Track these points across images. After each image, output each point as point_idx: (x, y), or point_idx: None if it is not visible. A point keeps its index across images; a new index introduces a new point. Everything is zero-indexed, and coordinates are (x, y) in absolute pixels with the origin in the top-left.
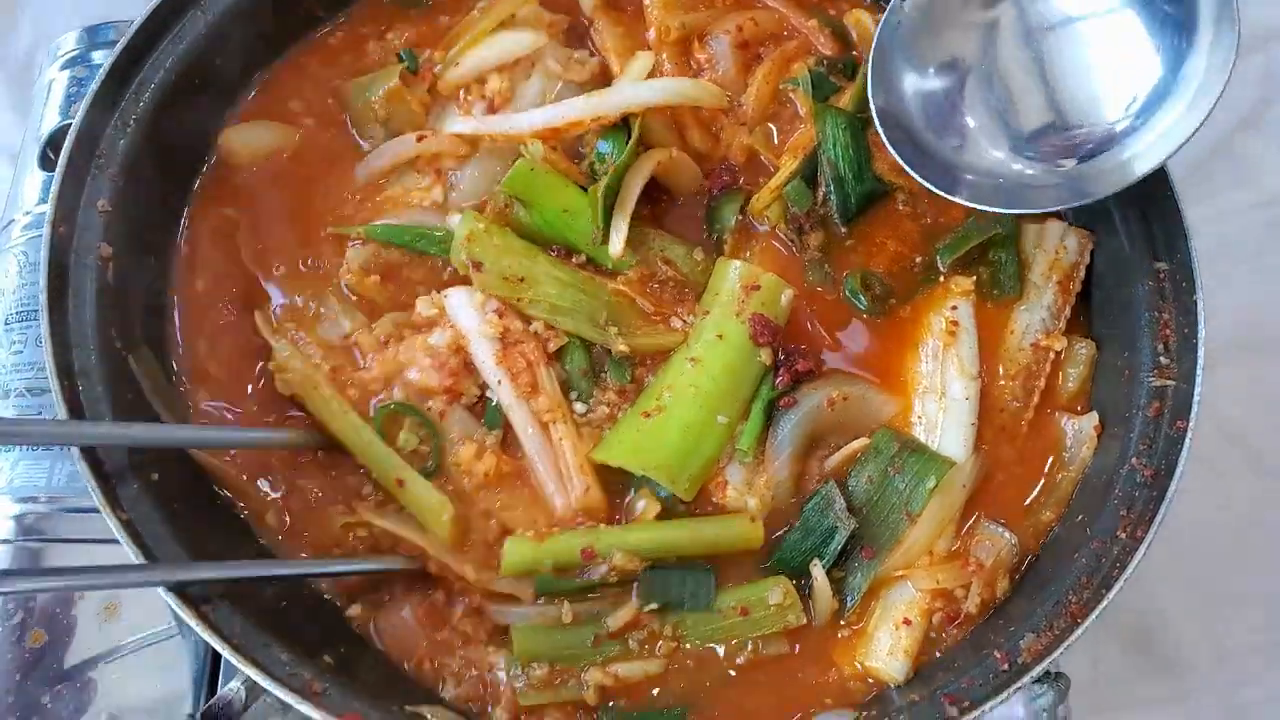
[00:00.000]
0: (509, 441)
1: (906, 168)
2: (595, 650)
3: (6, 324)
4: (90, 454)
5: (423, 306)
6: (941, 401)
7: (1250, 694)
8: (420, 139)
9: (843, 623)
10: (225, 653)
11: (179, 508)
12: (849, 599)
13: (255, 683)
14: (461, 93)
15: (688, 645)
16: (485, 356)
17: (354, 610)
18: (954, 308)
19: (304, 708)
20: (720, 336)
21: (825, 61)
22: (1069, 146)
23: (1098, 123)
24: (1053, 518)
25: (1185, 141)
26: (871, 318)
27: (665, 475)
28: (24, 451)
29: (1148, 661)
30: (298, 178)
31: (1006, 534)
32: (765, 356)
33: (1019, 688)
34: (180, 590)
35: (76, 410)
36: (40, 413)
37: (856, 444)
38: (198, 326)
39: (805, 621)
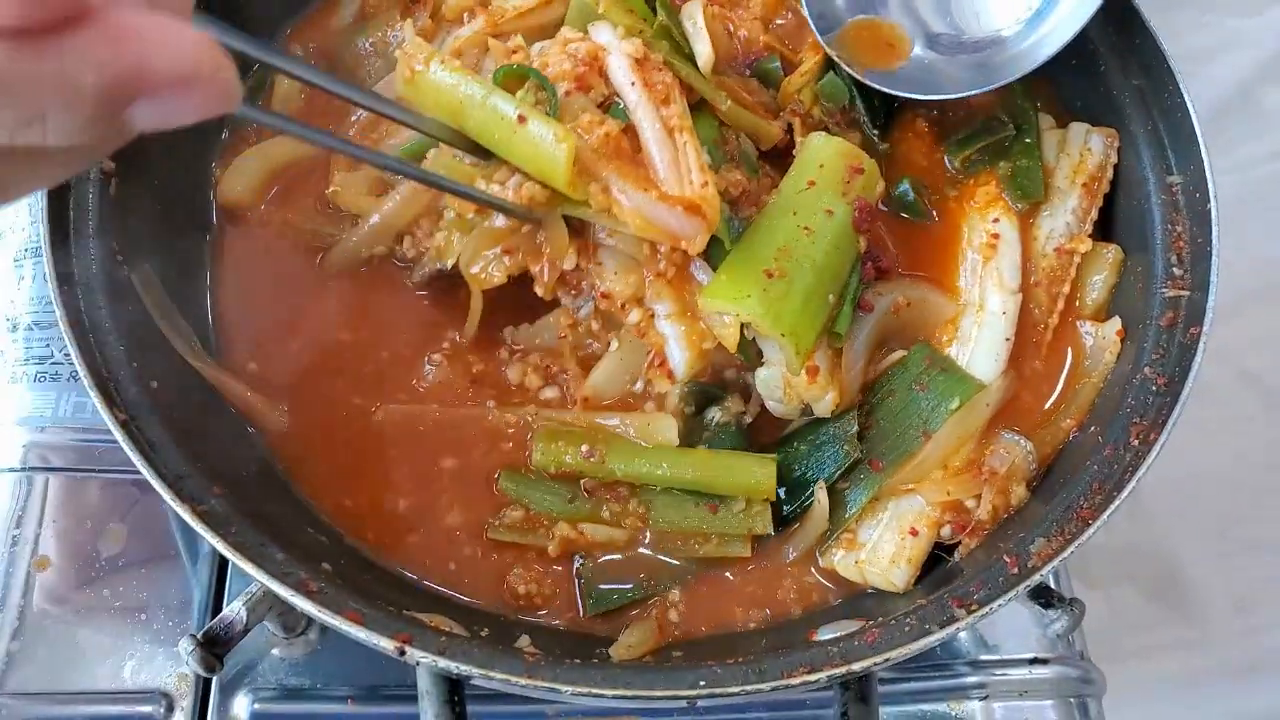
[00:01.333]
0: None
1: (841, 62)
2: (570, 506)
3: (16, 261)
4: (90, 358)
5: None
6: (978, 315)
7: (1269, 639)
8: None
9: (833, 537)
10: (220, 547)
11: (178, 415)
12: (848, 510)
13: (256, 605)
14: (465, 15)
15: (653, 524)
16: (621, 66)
17: None
18: (995, 220)
19: (299, 602)
20: (830, 213)
21: None
22: (973, 42)
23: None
24: (1073, 424)
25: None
26: (920, 222)
27: (795, 343)
28: (31, 381)
29: (1165, 607)
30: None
31: (1023, 442)
32: (862, 243)
33: (1027, 586)
34: (177, 488)
35: (76, 318)
36: (48, 345)
37: (896, 355)
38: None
39: (770, 532)
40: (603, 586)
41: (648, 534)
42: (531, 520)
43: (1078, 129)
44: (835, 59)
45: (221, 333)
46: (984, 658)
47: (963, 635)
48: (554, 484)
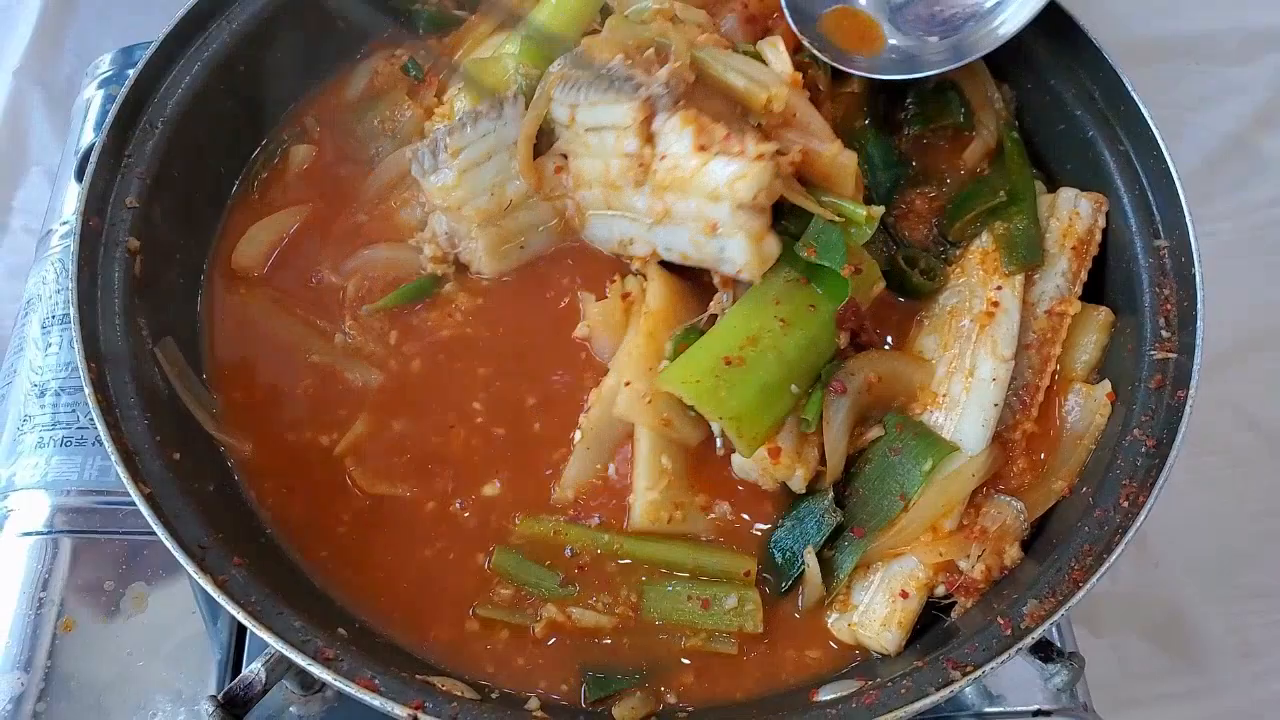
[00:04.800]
0: None
1: (815, 52)
2: (561, 589)
3: (44, 328)
4: (116, 433)
5: None
6: (967, 381)
7: (1276, 686)
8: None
9: (827, 602)
10: (240, 616)
11: (197, 485)
12: (837, 575)
13: (275, 665)
14: None
15: (644, 614)
16: None
17: None
18: (998, 288)
19: (317, 670)
20: (813, 308)
21: None
22: (941, 23)
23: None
24: (1064, 486)
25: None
26: (911, 299)
27: (735, 428)
28: (57, 447)
29: (1171, 655)
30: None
31: (1015, 503)
32: (842, 340)
33: (1020, 649)
34: (200, 560)
35: (104, 396)
36: (74, 411)
37: (875, 431)
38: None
39: (760, 630)
40: (602, 674)
41: (638, 628)
42: (520, 599)
43: (1067, 194)
44: (810, 48)
45: (219, 394)
46: (989, 709)
47: (967, 688)
48: (547, 567)
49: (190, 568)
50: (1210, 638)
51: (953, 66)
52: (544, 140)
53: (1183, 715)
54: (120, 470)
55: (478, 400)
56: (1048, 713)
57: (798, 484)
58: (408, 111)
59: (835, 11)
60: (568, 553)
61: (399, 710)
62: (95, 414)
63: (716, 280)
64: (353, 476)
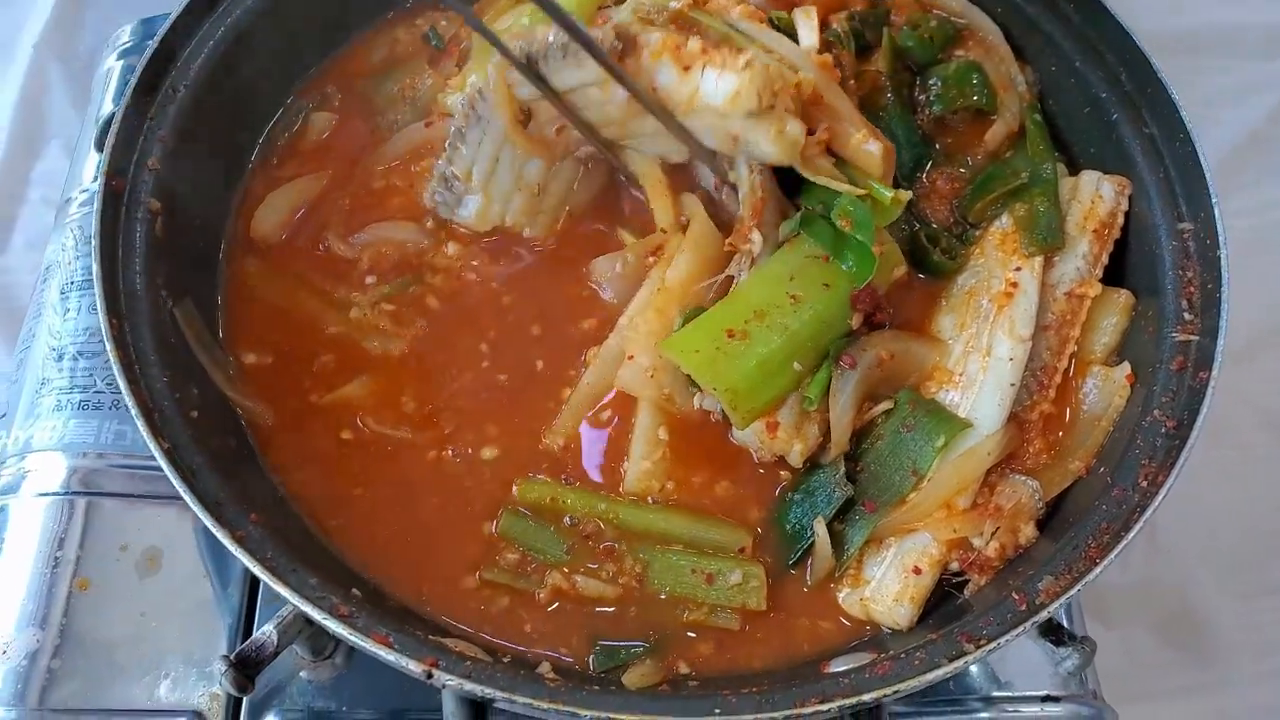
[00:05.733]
0: None
1: None
2: (566, 555)
3: (63, 293)
4: (137, 388)
5: None
6: (984, 360)
7: None
8: (428, 124)
9: (837, 575)
10: (258, 571)
11: (215, 444)
12: (847, 549)
13: (287, 628)
14: None
15: (649, 585)
16: None
17: None
18: (1017, 269)
19: (332, 625)
20: (827, 286)
21: (857, 16)
22: None
23: None
24: (1081, 466)
25: None
26: (930, 277)
27: (729, 399)
28: (74, 410)
29: (1182, 648)
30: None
31: (1030, 482)
32: (855, 321)
33: (1034, 623)
34: (217, 515)
35: (126, 353)
36: (91, 375)
37: (884, 406)
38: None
39: (764, 608)
40: (610, 644)
41: (642, 599)
42: (525, 564)
43: (1089, 176)
44: None
45: (233, 356)
46: (996, 694)
47: (975, 671)
48: (554, 532)
49: (208, 521)
50: (1222, 633)
51: None
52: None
53: (1193, 710)
54: (140, 424)
55: (486, 358)
56: (1056, 698)
57: (795, 459)
58: (428, 80)
59: None
60: (568, 521)
61: (414, 666)
62: (116, 369)
63: (731, 238)
64: (364, 423)
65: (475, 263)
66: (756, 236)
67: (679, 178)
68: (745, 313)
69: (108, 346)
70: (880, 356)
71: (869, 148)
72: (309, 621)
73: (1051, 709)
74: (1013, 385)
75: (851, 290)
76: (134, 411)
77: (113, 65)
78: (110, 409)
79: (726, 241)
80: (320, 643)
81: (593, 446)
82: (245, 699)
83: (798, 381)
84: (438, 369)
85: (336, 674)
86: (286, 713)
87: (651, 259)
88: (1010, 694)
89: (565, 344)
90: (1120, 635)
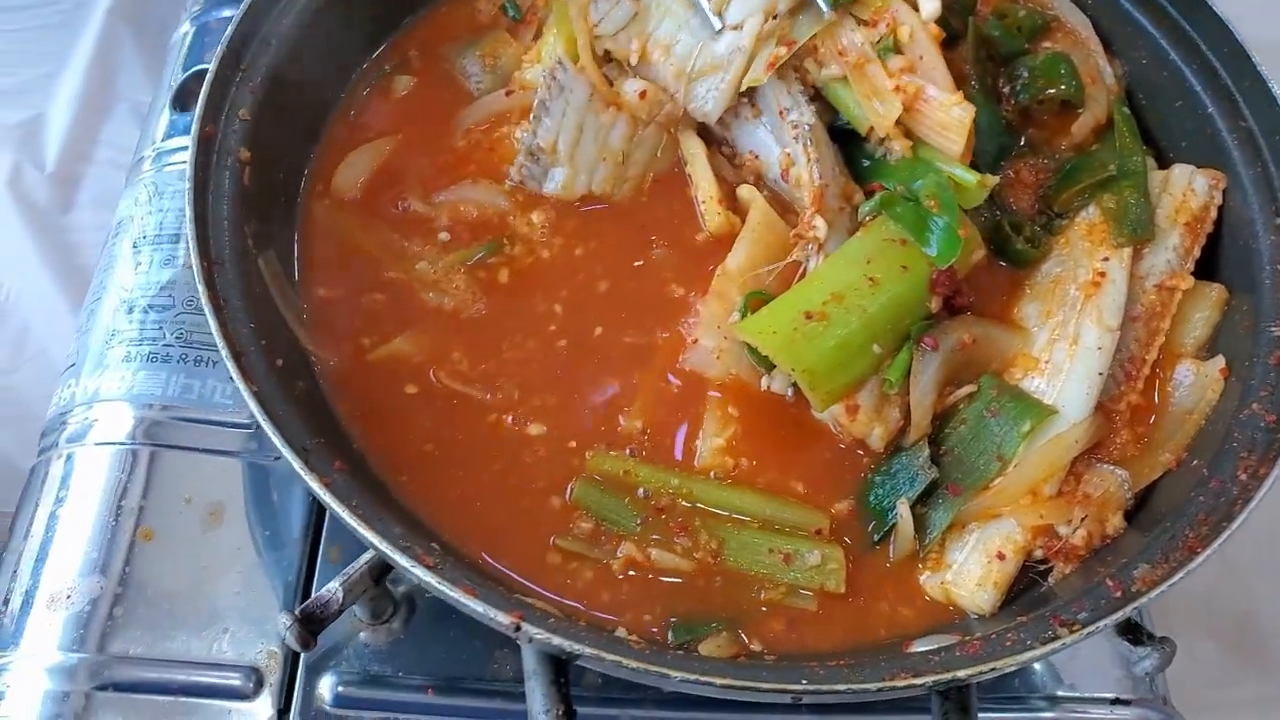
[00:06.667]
0: None
1: None
2: (640, 528)
3: (135, 247)
4: (227, 330)
5: None
6: (1071, 348)
7: None
8: (509, 93)
9: (920, 558)
10: (346, 517)
11: (300, 394)
12: (930, 532)
13: (352, 586)
14: None
15: (724, 561)
16: None
17: None
18: (1105, 259)
19: (419, 573)
20: (905, 269)
21: (944, 4)
22: None
23: None
24: (1171, 459)
25: None
26: (1011, 265)
27: (808, 380)
28: (143, 361)
29: (1246, 661)
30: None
31: (1119, 472)
32: (934, 305)
33: (1135, 608)
34: (306, 459)
35: (214, 290)
36: (160, 328)
37: (966, 390)
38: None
39: (842, 590)
40: (685, 621)
41: (718, 575)
42: (598, 533)
43: (1182, 170)
44: None
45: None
46: (1061, 693)
47: (1039, 669)
48: (628, 504)
49: (297, 464)
50: None
51: None
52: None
53: None
54: (230, 366)
55: (555, 324)
56: (1127, 701)
57: (875, 442)
58: (510, 48)
59: None
60: (641, 494)
61: (502, 618)
62: (208, 310)
63: (796, 228)
64: (437, 377)
65: (556, 233)
66: (820, 223)
67: (736, 171)
68: (823, 295)
69: (200, 289)
70: (962, 340)
71: (959, 113)
72: (375, 581)
73: (1121, 712)
74: (1101, 374)
75: (931, 273)
76: (224, 353)
77: (187, 30)
78: (178, 362)
79: (792, 232)
80: (380, 605)
81: (666, 422)
82: (302, 660)
83: (877, 364)
84: (507, 333)
85: (393, 639)
86: (343, 675)
87: None
88: (1077, 694)
89: (641, 314)
90: (1184, 646)
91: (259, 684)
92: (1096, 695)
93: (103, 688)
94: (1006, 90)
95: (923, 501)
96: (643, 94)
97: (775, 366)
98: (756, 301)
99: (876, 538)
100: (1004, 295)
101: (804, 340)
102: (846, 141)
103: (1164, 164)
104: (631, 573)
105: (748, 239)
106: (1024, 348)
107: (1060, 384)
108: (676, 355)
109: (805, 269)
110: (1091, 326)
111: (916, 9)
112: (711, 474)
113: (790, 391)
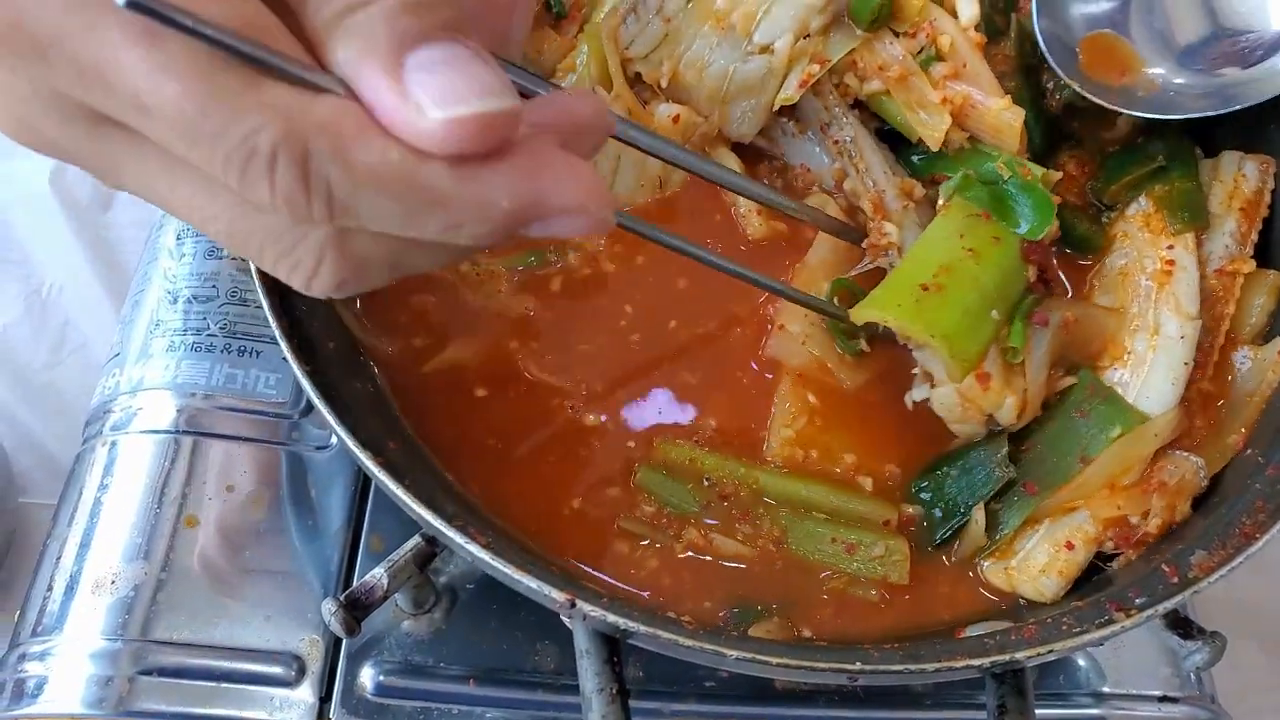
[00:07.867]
0: None
1: (1071, 84)
2: (702, 512)
3: (179, 238)
4: (279, 310)
5: None
6: (1153, 339)
7: None
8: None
9: (986, 555)
10: (400, 493)
11: (353, 379)
12: (1000, 531)
13: (397, 573)
14: None
15: (788, 548)
16: None
17: None
18: (1169, 247)
19: (473, 550)
20: (997, 239)
21: (988, 1)
22: (1232, 55)
23: (1263, 29)
24: (1239, 441)
25: None
26: (1076, 251)
27: (946, 347)
28: (187, 351)
29: None
30: None
31: (1194, 458)
32: (1031, 273)
33: (1194, 592)
34: (360, 438)
35: (266, 275)
36: (204, 318)
37: (1070, 380)
38: None
39: (906, 582)
40: (742, 608)
41: (779, 562)
42: (659, 517)
43: (1230, 156)
44: (1078, 89)
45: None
46: (1106, 690)
47: (1085, 666)
48: (691, 489)
49: (350, 442)
50: None
51: (1224, 110)
52: None
53: None
54: (283, 344)
55: (624, 319)
56: (1174, 699)
57: (1008, 414)
58: (553, 43)
59: (1094, 38)
60: (705, 481)
61: (556, 595)
62: (260, 289)
63: (869, 238)
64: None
65: (617, 241)
66: (889, 228)
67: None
68: (931, 268)
69: (253, 268)
70: (1066, 319)
71: (1009, 116)
72: (419, 567)
73: (1169, 709)
74: (1186, 364)
75: (1022, 245)
76: (277, 332)
77: None
78: (221, 352)
79: (865, 242)
80: (423, 595)
81: (738, 411)
82: (344, 649)
83: (996, 332)
84: (575, 331)
85: (434, 630)
86: (383, 664)
87: None
88: (1122, 692)
89: (718, 307)
90: (1228, 648)
91: (301, 672)
92: (1144, 693)
93: (146, 673)
94: (1050, 85)
95: (996, 499)
96: (675, 118)
97: (864, 354)
98: (844, 291)
99: (944, 534)
100: (1071, 293)
101: (933, 310)
102: (895, 140)
103: (1210, 153)
104: (691, 554)
105: (823, 238)
106: (1117, 331)
107: (1144, 375)
108: (755, 345)
109: (891, 266)
110: (1171, 315)
111: (955, 15)
112: (780, 463)
113: (922, 396)
